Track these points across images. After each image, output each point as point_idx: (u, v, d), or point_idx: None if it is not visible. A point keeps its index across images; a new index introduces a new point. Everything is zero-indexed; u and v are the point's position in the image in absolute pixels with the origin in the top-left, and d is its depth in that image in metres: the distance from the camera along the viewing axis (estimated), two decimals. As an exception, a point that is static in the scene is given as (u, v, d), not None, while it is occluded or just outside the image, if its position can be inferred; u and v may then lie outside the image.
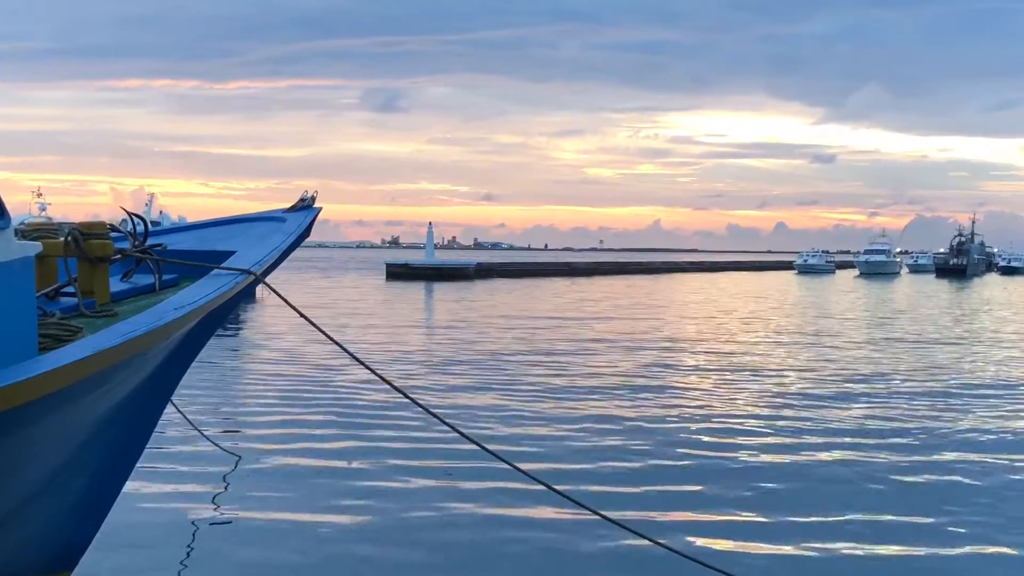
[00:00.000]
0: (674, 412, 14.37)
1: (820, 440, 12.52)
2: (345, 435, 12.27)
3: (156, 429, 6.83)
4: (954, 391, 17.12)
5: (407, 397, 7.06)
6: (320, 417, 13.47)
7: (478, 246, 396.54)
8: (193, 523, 8.41)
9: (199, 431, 11.04)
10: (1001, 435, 13.12)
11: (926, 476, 10.71)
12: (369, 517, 8.77)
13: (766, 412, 14.63)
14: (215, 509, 8.90)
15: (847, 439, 12.60)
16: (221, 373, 17.93)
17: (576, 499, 7.32)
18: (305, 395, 15.38)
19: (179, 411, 10.28)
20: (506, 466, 7.19)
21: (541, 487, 7.36)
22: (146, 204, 66.11)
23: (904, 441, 12.56)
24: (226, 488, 9.61)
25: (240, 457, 10.74)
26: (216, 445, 10.98)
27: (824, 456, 11.62)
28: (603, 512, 7.19)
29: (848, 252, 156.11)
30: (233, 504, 9.07)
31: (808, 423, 13.73)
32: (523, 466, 7.58)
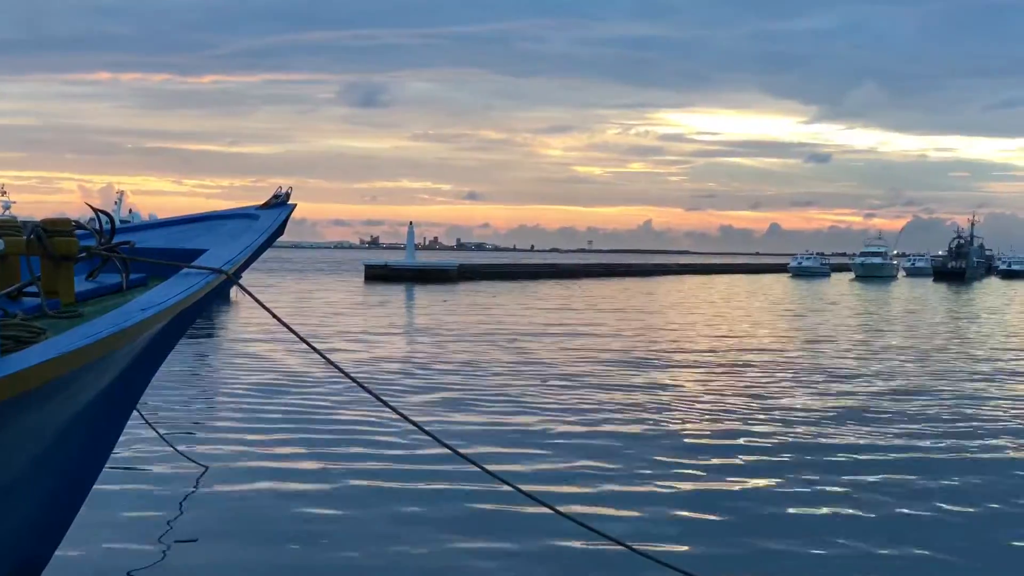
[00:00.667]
0: (665, 430, 14.33)
1: (819, 477, 12.31)
2: (318, 443, 12.19)
3: (120, 438, 6.77)
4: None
5: (386, 404, 7.01)
6: (293, 426, 13.39)
7: (461, 247, 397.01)
8: (159, 539, 8.33)
9: (165, 440, 10.96)
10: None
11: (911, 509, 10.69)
12: (340, 528, 8.72)
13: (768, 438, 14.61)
14: (181, 522, 8.83)
15: (853, 484, 12.57)
16: (190, 379, 17.84)
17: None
18: (278, 402, 15.30)
19: (144, 419, 10.21)
20: (476, 469, 7.17)
21: (508, 487, 7.34)
22: (115, 202, 65.87)
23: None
24: (193, 500, 9.54)
25: (207, 468, 10.66)
26: (183, 455, 10.91)
27: (825, 503, 11.60)
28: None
29: (844, 254, 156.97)
30: (200, 517, 9.00)
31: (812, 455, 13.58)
32: (491, 467, 7.55)
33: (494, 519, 9.09)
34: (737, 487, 10.56)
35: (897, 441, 13.22)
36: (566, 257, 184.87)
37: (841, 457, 12.18)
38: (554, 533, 8.44)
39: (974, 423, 14.77)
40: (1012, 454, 12.62)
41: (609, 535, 7.36)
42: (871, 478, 11.04)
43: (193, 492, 9.81)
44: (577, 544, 8.27)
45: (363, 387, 6.95)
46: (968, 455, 12.47)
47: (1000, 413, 15.79)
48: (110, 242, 6.46)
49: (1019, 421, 15.06)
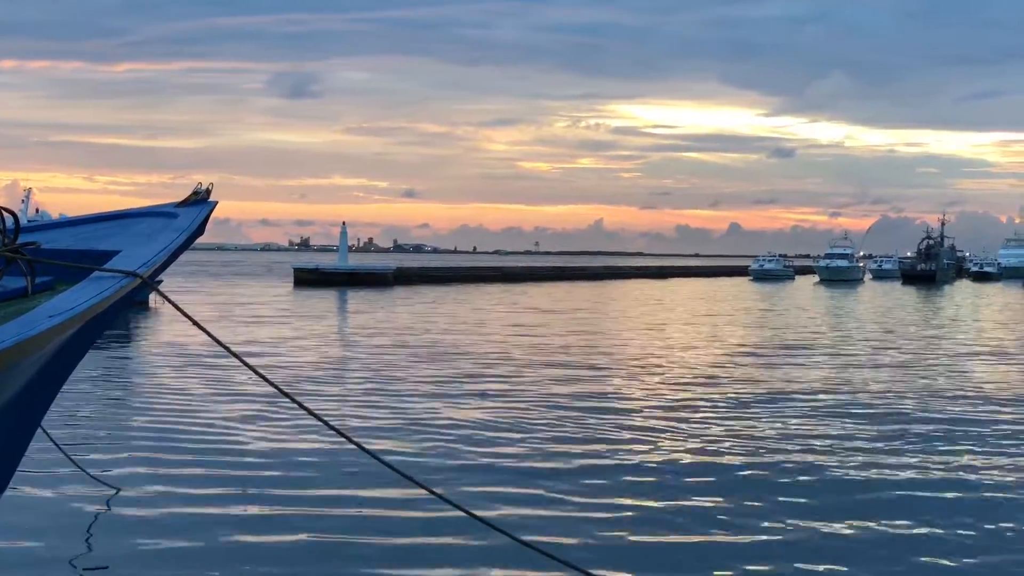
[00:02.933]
0: (615, 451, 14.38)
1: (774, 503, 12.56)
2: (239, 465, 12.08)
3: (23, 457, 6.66)
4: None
5: (311, 414, 6.97)
6: (213, 444, 13.28)
7: (398, 248, 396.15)
8: (67, 565, 8.21)
9: (73, 461, 10.80)
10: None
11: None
12: (260, 553, 8.66)
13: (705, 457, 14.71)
14: (91, 548, 8.71)
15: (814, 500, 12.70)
16: (101, 392, 17.61)
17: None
18: (198, 419, 15.16)
19: (50, 438, 10.07)
20: (421, 488, 7.15)
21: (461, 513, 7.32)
22: (22, 201, 64.94)
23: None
24: (104, 525, 9.41)
25: (119, 490, 10.54)
26: (93, 477, 10.76)
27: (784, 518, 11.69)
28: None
29: (808, 256, 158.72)
30: (111, 543, 8.89)
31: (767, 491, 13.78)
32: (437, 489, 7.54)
33: (428, 538, 9.09)
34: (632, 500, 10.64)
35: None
36: (511, 259, 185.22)
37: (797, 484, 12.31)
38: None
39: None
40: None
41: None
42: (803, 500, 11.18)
43: (103, 516, 9.68)
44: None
45: (291, 398, 6.90)
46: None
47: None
48: (14, 242, 6.35)
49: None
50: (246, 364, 6.64)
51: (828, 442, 14.15)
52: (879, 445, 14.01)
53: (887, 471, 12.38)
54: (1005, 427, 15.77)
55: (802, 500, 10.91)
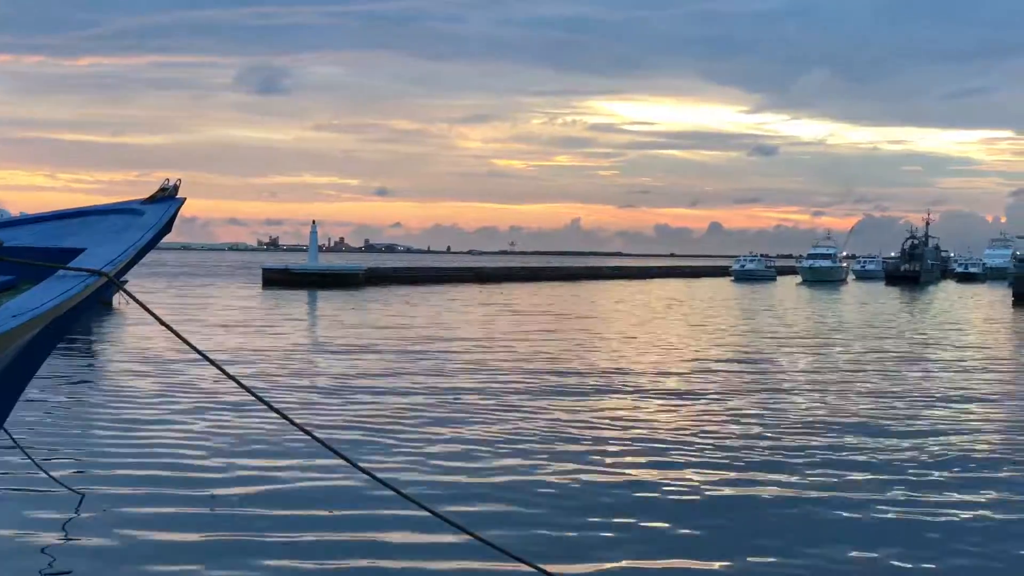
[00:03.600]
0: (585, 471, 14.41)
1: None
2: (206, 468, 12.09)
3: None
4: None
5: (285, 418, 6.99)
6: (180, 447, 13.26)
7: (370, 248, 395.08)
8: (32, 566, 8.21)
9: (37, 464, 10.78)
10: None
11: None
12: (225, 561, 8.68)
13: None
14: (55, 555, 8.71)
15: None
16: (66, 395, 17.55)
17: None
18: (165, 422, 15.14)
19: (13, 440, 10.05)
20: (388, 491, 7.19)
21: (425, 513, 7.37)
22: (-19, 199, 64.79)
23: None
24: (66, 533, 9.41)
25: (84, 495, 10.53)
26: (57, 481, 10.74)
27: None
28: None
29: (790, 256, 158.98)
30: (76, 549, 8.90)
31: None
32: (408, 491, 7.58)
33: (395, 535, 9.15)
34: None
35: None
36: (486, 259, 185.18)
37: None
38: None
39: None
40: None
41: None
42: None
43: (68, 522, 9.67)
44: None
45: (261, 399, 6.93)
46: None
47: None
48: (-26, 241, 6.35)
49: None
50: (215, 364, 6.67)
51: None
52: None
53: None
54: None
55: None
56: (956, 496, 11.49)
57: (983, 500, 11.35)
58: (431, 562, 8.67)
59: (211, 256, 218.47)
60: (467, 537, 7.78)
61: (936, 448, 14.24)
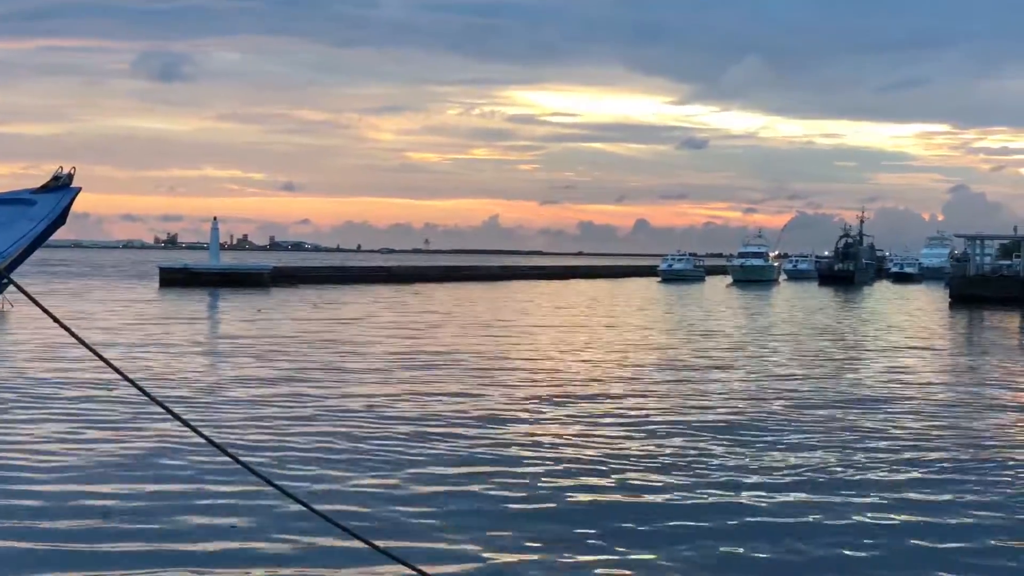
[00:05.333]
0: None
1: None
2: (107, 478, 11.99)
3: None
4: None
5: (186, 423, 6.93)
6: (70, 451, 13.15)
7: (275, 246, 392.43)
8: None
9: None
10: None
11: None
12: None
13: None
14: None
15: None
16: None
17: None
18: (55, 429, 14.97)
19: None
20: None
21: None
22: None
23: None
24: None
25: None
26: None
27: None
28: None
29: (720, 255, 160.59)
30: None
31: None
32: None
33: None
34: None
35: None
36: (399, 258, 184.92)
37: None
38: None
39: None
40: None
41: None
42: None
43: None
44: None
45: (160, 403, 6.84)
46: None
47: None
48: None
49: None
50: (113, 367, 6.57)
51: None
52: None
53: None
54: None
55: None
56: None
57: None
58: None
59: (105, 255, 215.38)
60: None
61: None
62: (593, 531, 10.64)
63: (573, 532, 10.63)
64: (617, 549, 10.12)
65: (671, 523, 11.06)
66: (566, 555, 9.90)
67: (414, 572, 7.37)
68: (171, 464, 12.91)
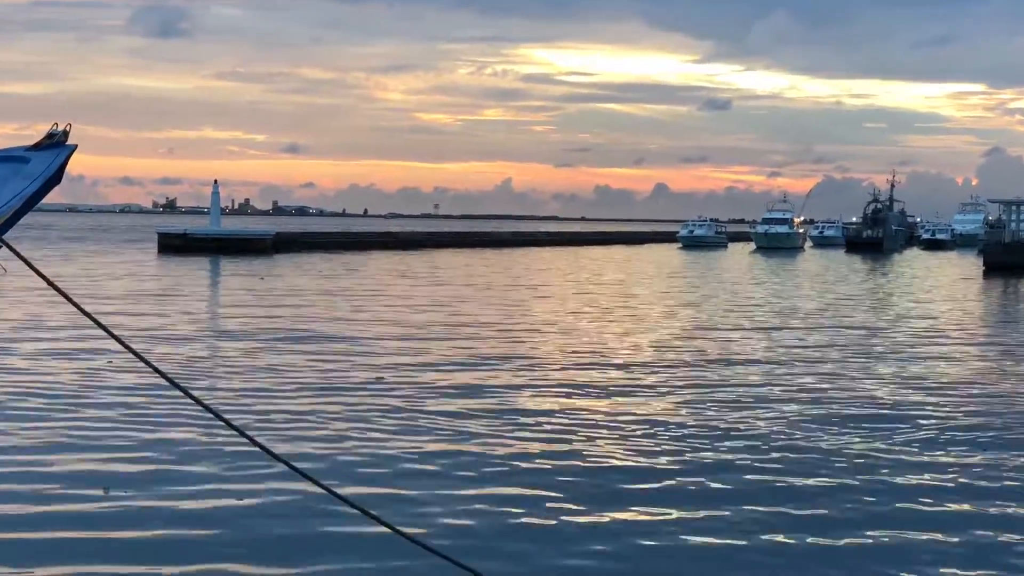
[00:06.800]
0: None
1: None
2: (100, 460, 12.00)
3: None
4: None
5: (188, 394, 6.87)
6: (66, 436, 13.17)
7: (279, 211, 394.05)
8: None
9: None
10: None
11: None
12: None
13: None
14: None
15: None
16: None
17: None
18: (47, 396, 15.04)
19: None
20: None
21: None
22: None
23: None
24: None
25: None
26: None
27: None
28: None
29: (743, 221, 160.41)
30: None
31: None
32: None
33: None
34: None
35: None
36: (408, 223, 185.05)
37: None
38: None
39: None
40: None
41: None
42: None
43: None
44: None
45: (166, 376, 6.78)
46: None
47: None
48: None
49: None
50: (113, 335, 6.50)
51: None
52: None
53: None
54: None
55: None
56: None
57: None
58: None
59: (102, 219, 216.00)
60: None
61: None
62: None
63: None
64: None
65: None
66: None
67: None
68: (175, 439, 12.91)
